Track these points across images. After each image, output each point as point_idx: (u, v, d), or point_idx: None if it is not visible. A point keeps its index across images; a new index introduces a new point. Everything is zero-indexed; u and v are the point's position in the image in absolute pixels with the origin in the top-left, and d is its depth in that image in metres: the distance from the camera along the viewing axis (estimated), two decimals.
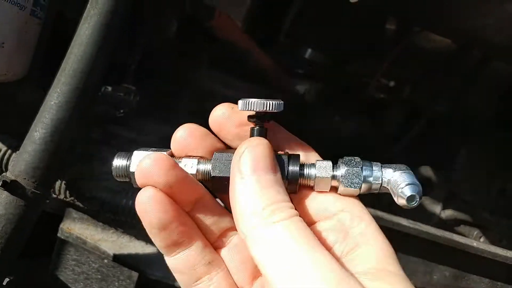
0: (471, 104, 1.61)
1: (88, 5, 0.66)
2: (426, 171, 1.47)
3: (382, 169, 0.48)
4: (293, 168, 0.48)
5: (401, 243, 0.95)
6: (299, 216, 0.42)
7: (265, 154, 0.45)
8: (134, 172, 0.47)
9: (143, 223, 0.48)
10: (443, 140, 1.53)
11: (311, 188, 0.49)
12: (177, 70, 1.37)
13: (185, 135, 0.51)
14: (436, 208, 1.47)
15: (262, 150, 0.45)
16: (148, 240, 0.92)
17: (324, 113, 1.50)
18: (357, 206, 0.49)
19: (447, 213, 1.46)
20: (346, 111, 1.49)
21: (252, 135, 0.49)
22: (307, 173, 0.48)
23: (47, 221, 0.90)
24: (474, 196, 1.52)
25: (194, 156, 0.50)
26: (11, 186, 0.64)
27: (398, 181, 0.46)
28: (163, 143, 0.54)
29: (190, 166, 0.49)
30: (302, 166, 0.49)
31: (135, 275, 0.90)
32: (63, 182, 0.78)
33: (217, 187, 0.49)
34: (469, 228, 1.47)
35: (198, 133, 0.51)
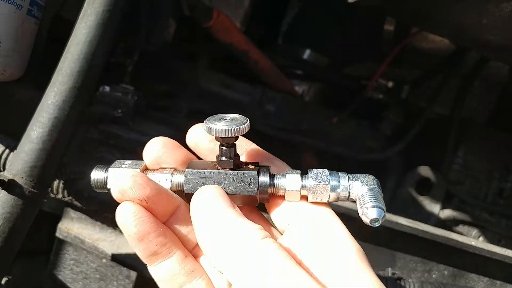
0: (469, 104, 1.61)
1: (85, 4, 0.67)
2: (425, 171, 1.47)
3: (350, 181, 0.49)
4: (263, 178, 0.50)
5: (400, 242, 0.95)
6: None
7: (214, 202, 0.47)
8: (110, 189, 0.51)
9: (124, 235, 0.50)
10: (441, 140, 1.53)
11: (282, 197, 0.51)
12: (175, 70, 1.37)
13: (158, 148, 0.53)
14: (435, 208, 1.47)
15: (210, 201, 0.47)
16: None
17: (323, 113, 1.50)
18: (328, 213, 0.50)
19: (446, 213, 1.46)
20: (345, 112, 1.49)
21: (220, 153, 0.51)
22: (278, 183, 0.51)
23: (46, 220, 0.91)
24: (473, 196, 1.53)
25: (167, 168, 0.53)
26: (9, 185, 0.64)
27: (365, 199, 0.47)
28: None
29: (165, 181, 0.52)
30: (272, 176, 0.51)
31: (133, 274, 0.90)
32: (61, 181, 0.78)
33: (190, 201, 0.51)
34: (468, 228, 1.47)
35: (170, 145, 0.54)
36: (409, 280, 0.87)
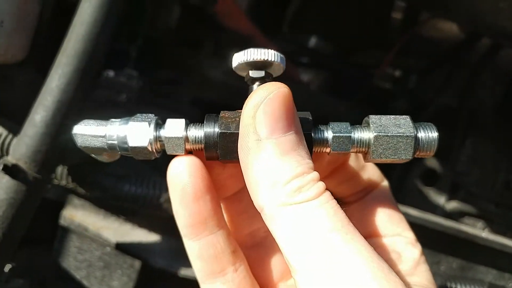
0: (478, 94, 1.59)
1: None
2: (431, 162, 1.46)
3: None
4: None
5: None
6: (327, 190, 0.36)
7: (286, 108, 0.37)
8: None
9: (173, 195, 0.43)
10: (448, 131, 1.51)
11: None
12: (179, 57, 1.35)
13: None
14: (441, 200, 1.46)
15: (282, 102, 0.37)
16: (151, 228, 0.91)
17: (329, 102, 1.48)
18: (411, 233, 0.48)
19: (452, 205, 1.45)
20: (351, 101, 1.47)
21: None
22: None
23: (49, 207, 0.89)
24: (479, 188, 1.51)
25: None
26: (12, 170, 0.62)
27: None
28: None
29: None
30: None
31: (137, 263, 0.89)
32: (65, 168, 0.76)
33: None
34: (474, 220, 1.46)
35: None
36: None
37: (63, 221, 0.88)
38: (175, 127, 0.42)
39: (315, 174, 0.36)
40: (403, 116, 0.43)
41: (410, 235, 0.47)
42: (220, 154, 0.41)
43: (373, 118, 0.43)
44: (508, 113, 1.62)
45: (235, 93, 1.36)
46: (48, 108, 0.62)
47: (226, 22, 1.34)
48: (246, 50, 0.41)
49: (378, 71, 1.56)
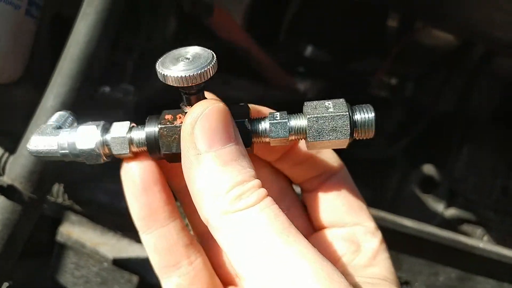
0: (474, 101, 1.59)
1: (84, 3, 0.65)
2: (429, 169, 1.46)
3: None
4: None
5: (405, 244, 0.94)
6: (268, 196, 0.37)
7: (222, 121, 0.38)
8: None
9: (125, 189, 0.45)
10: (445, 138, 1.52)
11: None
12: None
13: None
14: (439, 207, 1.46)
15: (217, 116, 0.38)
16: None
17: None
18: (371, 222, 0.47)
19: (450, 212, 1.45)
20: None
21: (188, 102, 0.42)
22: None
23: (46, 224, 0.89)
24: (477, 195, 1.51)
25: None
26: (8, 191, 0.63)
27: None
28: None
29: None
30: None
31: (135, 278, 0.89)
32: (61, 185, 0.76)
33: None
34: (473, 227, 1.46)
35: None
36: (416, 284, 0.86)
37: (60, 238, 0.88)
38: (119, 129, 0.44)
39: (256, 182, 0.37)
40: (338, 100, 0.43)
41: (369, 223, 0.47)
42: (163, 154, 0.43)
43: (307, 104, 0.44)
44: (505, 118, 1.62)
45: (231, 102, 1.36)
46: None
47: (222, 33, 1.34)
48: (165, 74, 0.39)
49: (374, 79, 1.56)
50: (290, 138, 0.43)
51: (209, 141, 0.37)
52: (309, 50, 1.67)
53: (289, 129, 0.42)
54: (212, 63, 0.39)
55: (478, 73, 1.53)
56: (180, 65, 0.39)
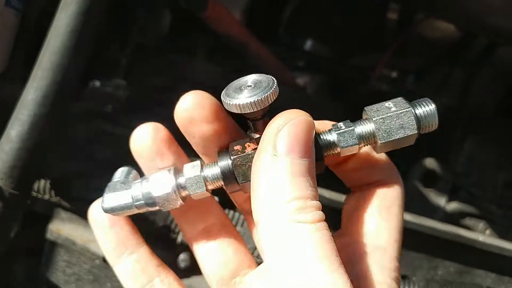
0: (476, 94, 1.56)
1: None
2: (431, 163, 1.44)
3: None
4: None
5: (404, 238, 0.92)
6: (324, 221, 0.38)
7: (307, 135, 0.39)
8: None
9: (95, 229, 0.50)
10: (447, 131, 1.49)
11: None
12: (172, 63, 1.34)
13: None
14: (441, 201, 1.44)
15: (304, 129, 0.39)
16: None
17: (325, 106, 1.47)
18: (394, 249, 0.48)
19: (452, 206, 1.43)
20: (348, 103, 1.45)
21: (254, 129, 0.43)
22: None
23: (36, 221, 0.88)
24: (480, 189, 1.49)
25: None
26: None
27: None
28: None
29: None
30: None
31: None
32: (48, 182, 0.74)
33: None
34: (475, 221, 1.43)
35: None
36: (414, 278, 0.84)
37: (49, 235, 0.86)
38: (192, 169, 0.46)
39: (317, 203, 0.38)
40: (397, 98, 0.44)
41: (392, 251, 0.46)
42: (241, 185, 0.44)
43: (367, 108, 0.44)
44: (508, 111, 1.59)
45: None
46: (23, 123, 0.60)
47: (218, 27, 1.32)
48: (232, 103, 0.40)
49: (375, 73, 1.54)
50: (360, 145, 0.44)
51: (291, 147, 0.38)
52: (308, 44, 1.65)
53: (357, 136, 0.43)
54: (274, 86, 0.40)
55: (481, 65, 1.50)
56: (245, 92, 0.41)
